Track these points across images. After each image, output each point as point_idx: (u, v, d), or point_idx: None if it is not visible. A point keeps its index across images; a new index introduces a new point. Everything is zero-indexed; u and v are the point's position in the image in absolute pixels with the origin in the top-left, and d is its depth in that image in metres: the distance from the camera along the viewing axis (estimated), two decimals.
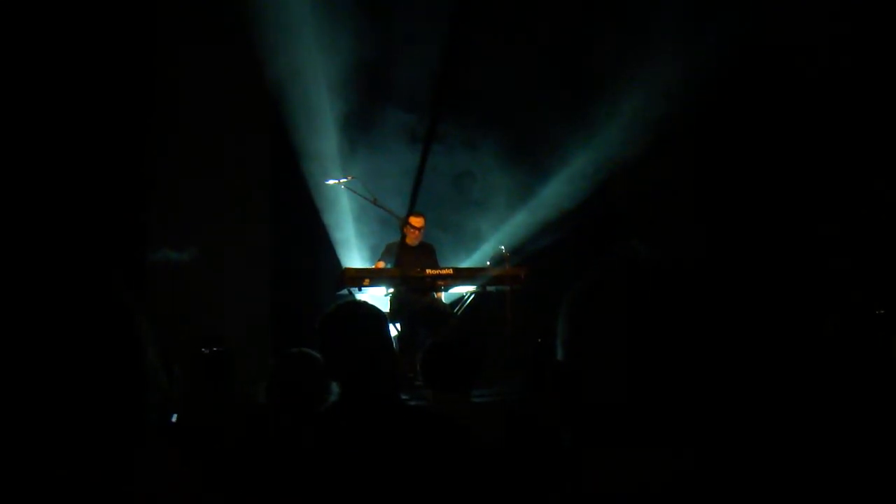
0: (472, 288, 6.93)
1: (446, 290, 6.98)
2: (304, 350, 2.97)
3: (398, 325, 6.54)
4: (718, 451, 0.88)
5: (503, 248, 7.07)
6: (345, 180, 7.13)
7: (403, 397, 2.36)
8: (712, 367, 0.88)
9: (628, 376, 0.88)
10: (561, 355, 0.96)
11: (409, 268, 6.69)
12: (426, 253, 7.05)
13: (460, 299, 7.11)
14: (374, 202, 7.05)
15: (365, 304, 2.38)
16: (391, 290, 6.74)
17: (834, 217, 7.05)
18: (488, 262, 7.14)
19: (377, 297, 6.78)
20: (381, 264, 6.93)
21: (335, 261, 7.70)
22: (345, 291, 6.53)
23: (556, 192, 8.10)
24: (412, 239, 6.98)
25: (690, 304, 0.90)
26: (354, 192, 7.16)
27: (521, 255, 7.43)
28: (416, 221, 6.99)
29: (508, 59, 8.16)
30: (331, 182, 7.21)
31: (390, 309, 6.70)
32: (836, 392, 2.25)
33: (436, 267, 6.88)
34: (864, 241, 6.77)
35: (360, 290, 6.53)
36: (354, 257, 7.76)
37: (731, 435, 0.88)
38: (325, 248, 7.87)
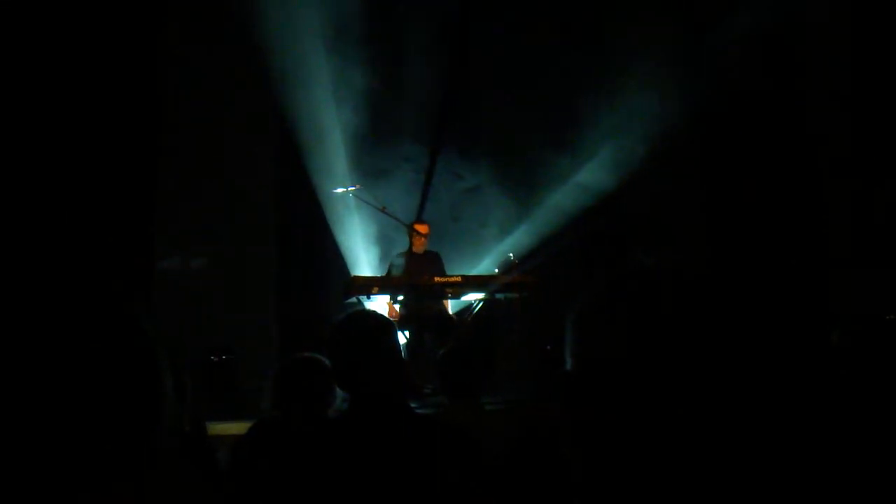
0: (480, 295, 6.93)
1: (455, 297, 6.97)
2: (307, 354, 2.98)
3: (406, 333, 6.54)
4: (726, 461, 0.88)
5: (511, 255, 7.06)
6: (353, 188, 7.14)
7: (412, 405, 2.36)
8: (721, 376, 0.88)
9: (636, 385, 0.88)
10: (569, 365, 0.96)
11: (417, 275, 6.68)
12: (432, 260, 7.03)
13: (469, 307, 7.11)
14: (383, 210, 7.06)
15: (373, 312, 2.39)
16: (400, 297, 6.74)
17: (842, 223, 7.03)
18: (497, 270, 7.13)
19: (378, 305, 6.73)
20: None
21: (343, 269, 7.71)
22: (353, 300, 6.53)
23: (563, 202, 8.10)
24: (418, 246, 6.97)
25: (698, 315, 0.90)
26: (362, 200, 7.17)
27: (529, 262, 7.43)
28: (422, 228, 6.97)
29: (514, 68, 8.19)
30: (339, 191, 7.22)
31: (398, 316, 6.69)
32: (847, 401, 2.25)
33: (443, 274, 6.88)
34: (872, 247, 6.74)
35: (368, 298, 6.53)
36: (363, 265, 7.76)
37: (740, 444, 0.88)
38: (332, 257, 7.88)
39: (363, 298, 6.49)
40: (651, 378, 0.88)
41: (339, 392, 2.71)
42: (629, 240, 7.72)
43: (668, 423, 0.88)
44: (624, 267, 0.95)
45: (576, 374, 0.94)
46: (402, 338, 6.39)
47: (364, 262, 7.78)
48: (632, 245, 7.50)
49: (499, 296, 6.88)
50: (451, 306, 7.05)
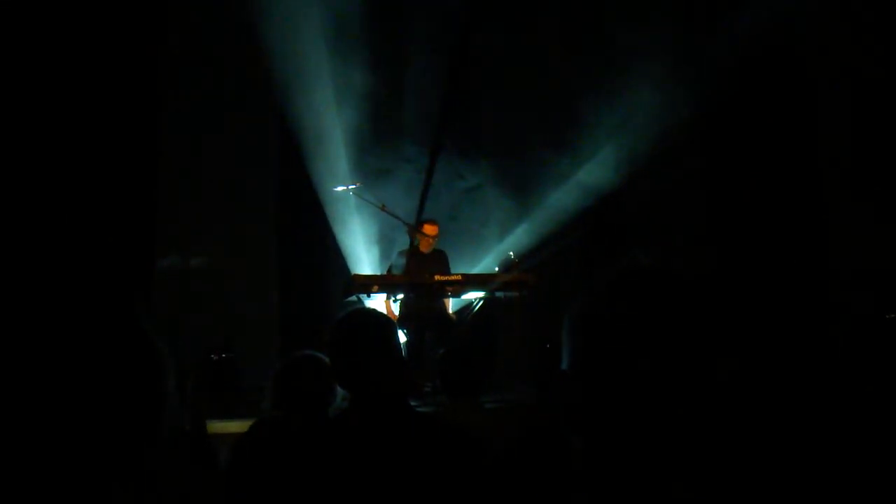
0: (480, 294, 6.92)
1: (455, 296, 6.96)
2: (308, 352, 2.98)
3: (406, 332, 6.53)
4: (727, 459, 0.88)
5: (512, 253, 7.06)
6: (353, 186, 7.13)
7: (413, 404, 2.37)
8: (721, 376, 0.88)
9: (633, 385, 0.88)
10: (566, 364, 0.96)
11: (418, 274, 6.67)
12: (439, 259, 6.99)
13: (469, 305, 7.10)
14: (383, 208, 7.05)
15: (374, 311, 2.40)
16: (399, 296, 6.73)
17: (843, 221, 7.03)
18: (497, 268, 7.13)
19: (376, 305, 6.71)
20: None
21: (344, 268, 7.70)
22: (353, 298, 6.53)
23: (563, 201, 8.10)
24: (426, 246, 6.94)
25: (696, 315, 0.90)
26: (362, 198, 7.17)
27: (529, 261, 7.42)
28: (430, 230, 6.89)
29: (514, 68, 8.20)
30: (339, 189, 7.22)
31: (399, 315, 6.70)
32: (847, 400, 2.25)
33: (447, 273, 6.86)
34: (873, 246, 6.74)
35: (368, 296, 6.53)
36: (363, 264, 7.76)
37: (741, 442, 0.88)
38: (333, 255, 7.89)
39: (363, 297, 6.49)
40: (650, 378, 0.88)
41: (339, 391, 2.72)
42: (630, 239, 7.73)
43: (669, 422, 0.88)
44: (621, 268, 0.95)
45: (572, 375, 0.95)
46: (402, 336, 6.39)
47: (364, 260, 7.78)
48: (632, 244, 7.51)
49: (499, 294, 6.88)
50: (451, 305, 7.04)
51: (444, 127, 8.21)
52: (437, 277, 6.61)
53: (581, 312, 0.96)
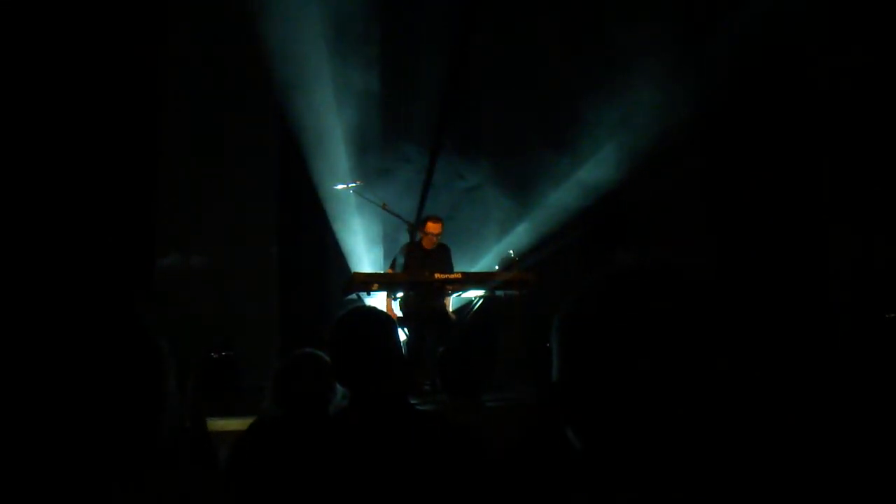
0: (480, 292, 6.92)
1: (455, 294, 6.96)
2: (308, 350, 2.98)
3: (406, 330, 6.53)
4: (729, 462, 0.88)
5: (511, 252, 7.06)
6: (353, 185, 7.13)
7: (413, 402, 2.36)
8: (720, 376, 0.88)
9: (633, 386, 0.88)
10: (555, 375, 0.96)
11: (419, 272, 6.66)
12: (442, 255, 6.96)
13: (469, 304, 7.10)
14: (384, 207, 7.04)
15: (374, 309, 2.40)
16: (399, 294, 6.73)
17: (843, 221, 7.03)
18: (497, 267, 7.13)
19: (378, 302, 6.72)
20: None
21: (344, 266, 7.71)
22: (353, 296, 6.54)
23: (563, 200, 8.10)
24: (428, 243, 6.90)
25: (695, 313, 0.90)
26: (363, 196, 7.16)
27: (529, 259, 7.42)
28: (434, 228, 6.85)
29: (517, 61, 8.21)
30: (339, 187, 7.22)
31: (399, 314, 6.70)
32: (847, 399, 2.25)
33: (450, 269, 6.85)
34: (873, 245, 6.75)
35: (368, 294, 6.53)
36: (363, 262, 7.76)
37: (742, 444, 0.88)
38: (333, 254, 7.89)
39: (363, 295, 6.49)
40: (650, 377, 0.88)
41: (339, 389, 2.72)
42: (630, 238, 7.73)
43: (669, 422, 0.88)
44: (616, 268, 0.94)
45: (562, 385, 0.94)
46: (402, 335, 6.39)
47: (365, 259, 7.79)
48: (632, 244, 7.52)
49: (499, 293, 6.87)
50: (451, 303, 7.04)
51: (444, 127, 8.21)
52: (437, 276, 6.61)
53: (575, 315, 0.95)
